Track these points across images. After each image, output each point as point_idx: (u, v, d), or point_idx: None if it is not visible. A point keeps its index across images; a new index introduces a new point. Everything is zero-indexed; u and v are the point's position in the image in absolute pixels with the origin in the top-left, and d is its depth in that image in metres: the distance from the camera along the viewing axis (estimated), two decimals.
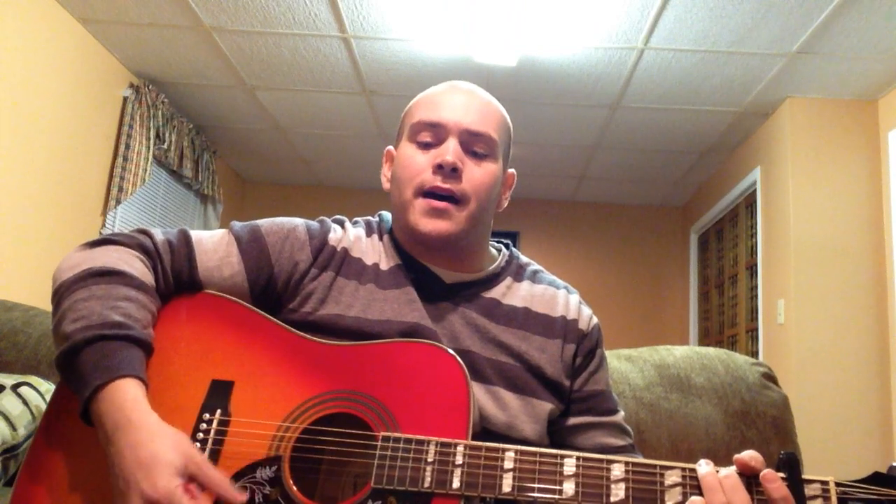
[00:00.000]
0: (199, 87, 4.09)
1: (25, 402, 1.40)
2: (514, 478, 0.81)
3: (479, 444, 0.83)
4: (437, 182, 0.99)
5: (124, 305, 0.88)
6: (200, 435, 0.87)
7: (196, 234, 1.03)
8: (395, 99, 4.03)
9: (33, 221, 3.25)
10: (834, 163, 3.68)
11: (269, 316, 0.97)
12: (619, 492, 0.80)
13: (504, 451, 0.83)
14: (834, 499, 0.78)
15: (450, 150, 0.99)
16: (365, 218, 1.15)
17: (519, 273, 1.12)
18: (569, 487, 0.81)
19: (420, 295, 1.02)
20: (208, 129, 4.75)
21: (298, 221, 1.07)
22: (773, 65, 3.41)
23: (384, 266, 1.05)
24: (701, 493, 0.79)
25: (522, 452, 0.83)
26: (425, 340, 0.92)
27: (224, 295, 0.99)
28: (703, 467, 0.80)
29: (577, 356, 1.07)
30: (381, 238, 1.09)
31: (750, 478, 0.79)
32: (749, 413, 1.42)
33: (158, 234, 1.00)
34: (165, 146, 4.18)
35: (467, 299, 1.05)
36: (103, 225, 3.79)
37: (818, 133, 3.71)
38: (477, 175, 1.01)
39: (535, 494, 0.81)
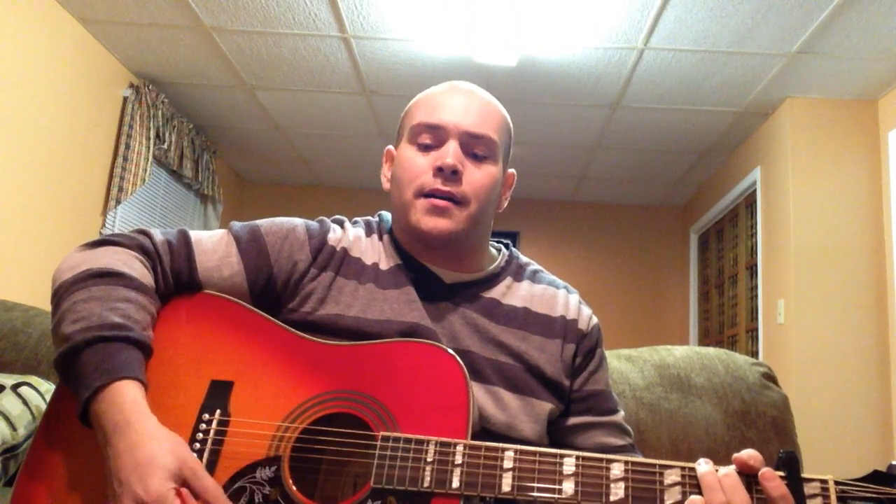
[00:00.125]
0: (199, 87, 4.09)
1: (25, 402, 1.40)
2: (513, 477, 0.81)
3: (479, 443, 0.83)
4: (438, 185, 0.99)
5: (124, 307, 0.88)
6: (200, 435, 0.87)
7: (195, 235, 1.03)
8: (395, 99, 4.03)
9: (33, 221, 3.25)
10: (834, 163, 3.68)
11: (268, 316, 0.97)
12: (618, 491, 0.80)
13: (504, 450, 0.83)
14: (833, 497, 0.78)
15: (450, 153, 0.99)
16: (364, 218, 1.15)
17: (519, 273, 1.12)
18: (568, 487, 0.81)
19: (420, 295, 1.02)
20: (208, 129, 4.75)
21: (298, 221, 1.07)
22: (773, 65, 3.41)
23: (384, 266, 1.05)
24: (700, 493, 0.79)
25: (522, 452, 0.83)
26: (425, 340, 0.92)
27: (223, 295, 0.99)
28: (703, 466, 0.80)
29: (576, 356, 1.07)
30: (380, 238, 1.09)
31: (749, 477, 0.79)
32: (749, 413, 1.42)
33: (158, 235, 1.00)
34: (165, 146, 4.18)
35: (467, 299, 1.05)
36: (103, 225, 3.79)
37: (818, 133, 3.72)
38: (477, 177, 1.01)
39: (535, 494, 0.81)
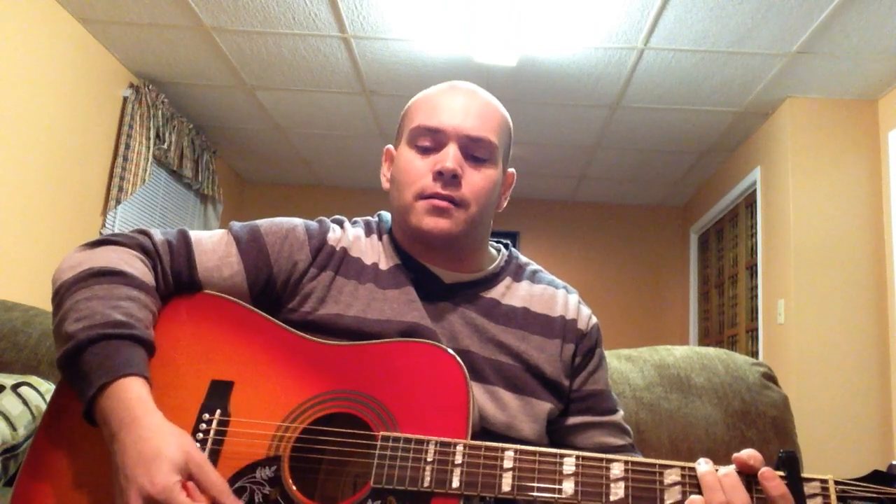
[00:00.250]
0: (199, 87, 4.09)
1: (25, 402, 1.40)
2: (513, 477, 0.81)
3: (479, 443, 0.83)
4: (437, 189, 0.99)
5: (126, 305, 0.88)
6: (200, 435, 0.87)
7: (195, 235, 1.03)
8: (395, 99, 4.03)
9: (33, 221, 3.25)
10: (834, 163, 3.68)
11: (268, 316, 0.97)
12: (618, 491, 0.80)
13: (503, 450, 0.83)
14: (833, 497, 0.78)
15: (449, 157, 0.99)
16: (364, 218, 1.15)
17: (518, 273, 1.12)
18: (568, 487, 0.81)
19: (419, 295, 1.02)
20: (208, 129, 4.75)
21: (297, 221, 1.07)
22: (773, 65, 3.41)
23: (383, 266, 1.05)
24: (700, 492, 0.79)
25: (522, 452, 0.83)
26: (425, 340, 0.92)
27: (223, 295, 0.99)
28: (703, 466, 0.80)
29: (576, 356, 1.07)
30: (380, 238, 1.09)
31: (749, 476, 0.79)
32: (749, 413, 1.42)
33: (158, 235, 1.00)
34: (165, 146, 4.18)
35: (467, 299, 1.05)
36: (103, 225, 3.80)
37: (818, 133, 3.72)
38: (476, 181, 1.01)
39: (535, 494, 0.81)
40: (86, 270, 0.90)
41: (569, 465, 0.82)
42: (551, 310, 1.08)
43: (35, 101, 3.17)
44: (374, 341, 0.94)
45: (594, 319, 1.12)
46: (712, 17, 3.03)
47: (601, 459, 0.82)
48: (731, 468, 0.79)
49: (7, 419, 1.36)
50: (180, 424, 0.85)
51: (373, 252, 1.07)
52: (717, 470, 0.79)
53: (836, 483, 0.78)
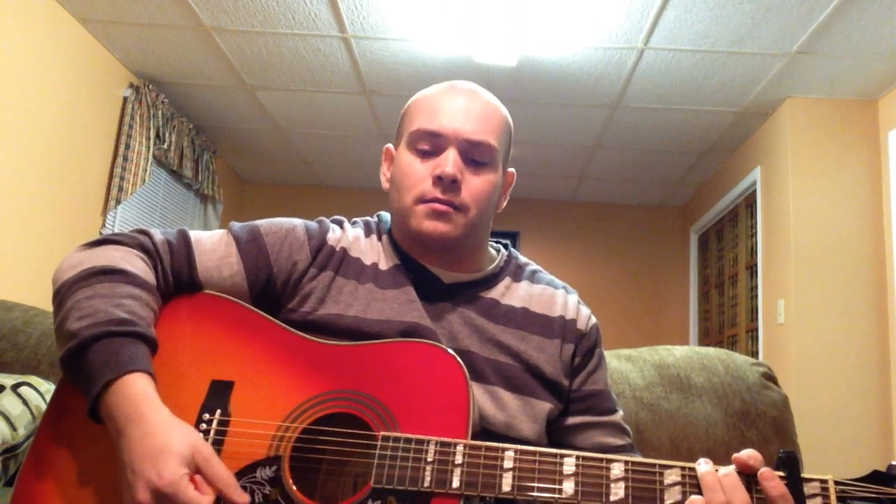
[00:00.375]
0: (199, 87, 4.09)
1: (25, 402, 1.40)
2: (513, 477, 0.81)
3: (479, 443, 0.83)
4: (437, 194, 0.99)
5: (129, 303, 0.88)
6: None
7: (195, 235, 1.03)
8: (395, 99, 4.03)
9: (33, 221, 3.25)
10: (834, 163, 3.68)
11: (268, 316, 0.97)
12: (618, 491, 0.80)
13: (504, 450, 0.83)
14: (833, 497, 0.78)
15: (449, 162, 0.99)
16: (364, 218, 1.15)
17: (518, 273, 1.12)
18: (568, 487, 0.81)
19: (419, 295, 1.02)
20: (208, 129, 4.75)
21: (297, 222, 1.07)
22: (773, 65, 3.41)
23: (383, 266, 1.05)
24: (700, 492, 0.79)
25: (522, 452, 0.83)
26: (425, 340, 0.93)
27: (223, 295, 0.99)
28: (703, 466, 0.80)
29: (575, 356, 1.07)
30: (379, 238, 1.09)
31: (749, 477, 0.79)
32: (749, 413, 1.42)
33: (157, 235, 1.00)
34: (165, 146, 4.18)
35: (466, 299, 1.05)
36: (103, 225, 3.80)
37: (818, 133, 3.72)
38: (476, 185, 1.01)
39: (535, 494, 0.81)
40: (87, 269, 0.90)
41: (569, 465, 0.82)
42: (551, 310, 1.08)
43: (35, 101, 3.17)
44: (374, 341, 0.94)
45: (593, 319, 1.12)
46: (712, 17, 3.03)
47: (601, 459, 0.82)
48: (731, 468, 0.79)
49: (7, 419, 1.36)
50: None
51: (372, 252, 1.07)
52: (717, 470, 0.80)
53: (836, 483, 0.78)
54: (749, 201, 4.43)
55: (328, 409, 0.88)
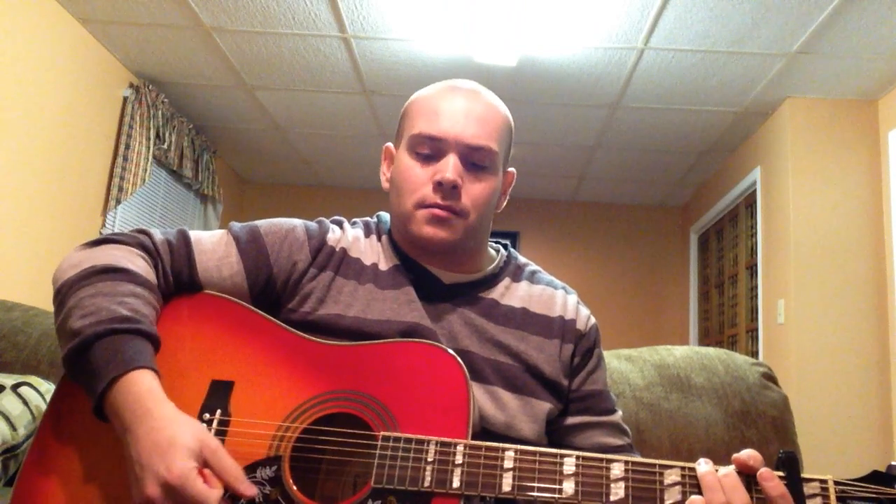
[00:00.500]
0: (199, 87, 4.09)
1: (25, 402, 1.40)
2: (514, 477, 0.82)
3: (479, 443, 0.83)
4: (437, 199, 0.99)
5: (131, 301, 0.88)
6: None
7: (195, 235, 1.03)
8: (395, 99, 4.03)
9: (33, 221, 3.25)
10: (834, 163, 3.68)
11: (268, 316, 0.97)
12: (618, 491, 0.80)
13: (504, 450, 0.83)
14: (833, 497, 0.78)
15: (449, 168, 0.98)
16: (363, 219, 1.15)
17: (517, 273, 1.12)
18: (568, 487, 0.81)
19: (419, 295, 1.02)
20: (208, 129, 4.75)
21: (297, 222, 1.07)
22: (773, 65, 3.41)
23: (383, 266, 1.05)
24: (700, 493, 0.79)
25: (522, 452, 0.83)
26: (425, 340, 0.93)
27: (224, 295, 0.99)
28: (703, 466, 0.80)
29: (574, 356, 1.07)
30: (379, 239, 1.09)
31: (749, 477, 0.79)
32: (749, 413, 1.42)
33: (157, 234, 1.00)
34: (165, 146, 4.18)
35: (466, 300, 1.05)
36: (103, 225, 3.80)
37: (818, 133, 3.72)
38: (476, 190, 1.01)
39: (535, 494, 0.81)
40: (88, 268, 0.90)
41: (569, 465, 0.82)
42: (550, 310, 1.08)
43: (35, 101, 3.17)
44: (374, 341, 0.94)
45: (593, 320, 1.12)
46: (712, 17, 3.03)
47: (601, 459, 0.82)
48: (731, 468, 0.80)
49: (7, 419, 1.36)
50: None
51: (372, 253, 1.07)
52: (716, 470, 0.80)
53: (836, 483, 0.78)
54: (749, 201, 4.43)
55: (328, 409, 0.88)
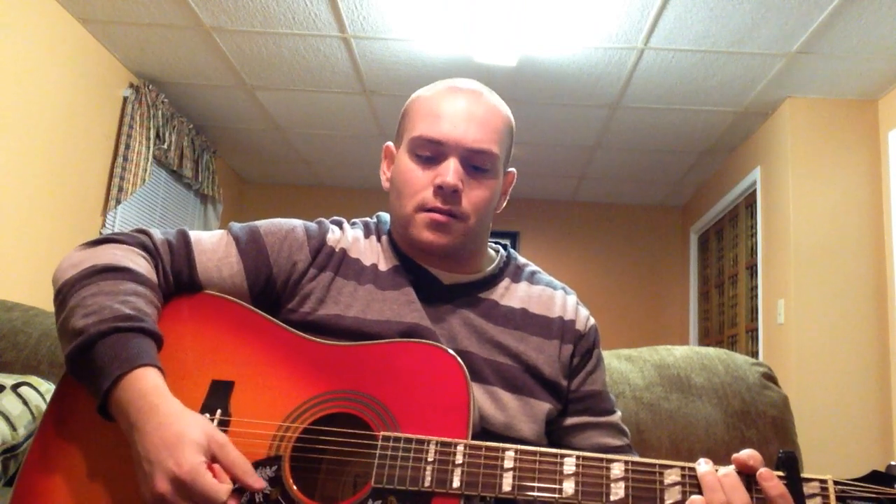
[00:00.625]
0: (199, 87, 4.09)
1: (25, 402, 1.40)
2: (514, 477, 0.82)
3: (479, 443, 0.83)
4: (437, 203, 0.99)
5: (133, 300, 0.89)
6: None
7: (195, 235, 1.03)
8: (395, 99, 4.03)
9: (33, 221, 3.25)
10: (834, 163, 3.68)
11: (268, 316, 0.97)
12: (618, 491, 0.80)
13: (504, 450, 0.83)
14: (832, 497, 0.78)
15: (450, 172, 0.98)
16: (363, 219, 1.15)
17: (517, 274, 1.12)
18: (569, 486, 0.81)
19: (419, 296, 1.02)
20: (208, 129, 4.75)
21: (297, 222, 1.07)
22: (773, 65, 3.41)
23: (383, 267, 1.05)
24: (700, 492, 0.79)
25: (522, 452, 0.83)
26: (425, 340, 0.93)
27: (224, 295, 0.99)
28: (703, 466, 0.80)
29: (574, 356, 1.07)
30: (378, 239, 1.09)
31: (749, 477, 0.79)
32: (749, 413, 1.42)
33: (157, 234, 1.01)
34: (165, 146, 4.18)
35: (466, 300, 1.05)
36: (103, 225, 3.80)
37: (818, 133, 3.72)
38: (476, 194, 1.01)
39: (535, 494, 0.81)
40: (89, 268, 0.90)
41: (569, 465, 0.82)
42: (550, 310, 1.08)
43: (35, 101, 3.17)
44: (374, 341, 0.94)
45: (592, 320, 1.12)
46: (712, 17, 3.03)
47: (601, 459, 0.82)
48: (731, 468, 0.80)
49: (7, 419, 1.36)
50: None
51: (372, 253, 1.07)
52: (716, 470, 0.80)
53: (836, 483, 0.78)
54: (749, 201, 4.43)
55: (328, 409, 0.88)
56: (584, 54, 3.42)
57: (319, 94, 4.06)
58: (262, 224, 1.06)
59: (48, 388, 1.46)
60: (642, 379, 1.47)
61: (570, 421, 1.06)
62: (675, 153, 4.67)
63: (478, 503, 0.85)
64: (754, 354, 4.09)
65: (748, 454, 0.79)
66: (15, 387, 1.42)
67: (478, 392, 0.97)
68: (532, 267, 1.16)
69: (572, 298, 1.12)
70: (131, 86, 3.92)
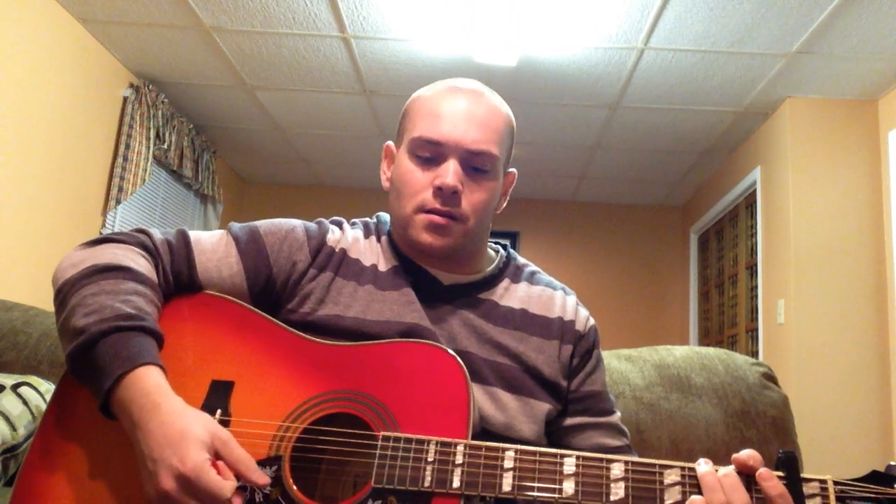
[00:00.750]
0: (199, 87, 4.09)
1: (25, 402, 1.40)
2: (514, 477, 0.82)
3: (479, 443, 0.83)
4: (437, 205, 0.99)
5: (134, 299, 0.89)
6: None
7: (195, 235, 1.03)
8: (395, 99, 4.03)
9: (33, 221, 3.25)
10: (834, 163, 3.68)
11: (268, 316, 0.97)
12: (618, 491, 0.80)
13: (504, 450, 0.83)
14: (832, 497, 0.78)
15: (449, 173, 0.98)
16: (363, 219, 1.15)
17: (517, 274, 1.12)
18: (569, 487, 0.81)
19: (418, 296, 1.02)
20: (208, 129, 4.75)
21: (297, 223, 1.07)
22: (773, 65, 3.41)
23: (383, 267, 1.05)
24: (700, 493, 0.79)
25: (522, 452, 0.83)
26: (425, 341, 0.93)
27: (224, 295, 0.99)
28: (703, 466, 0.80)
29: (574, 357, 1.07)
30: (378, 240, 1.09)
31: (749, 477, 0.79)
32: (749, 413, 1.42)
33: (157, 234, 1.01)
34: (165, 146, 4.18)
35: (465, 301, 1.05)
36: (103, 225, 3.80)
37: (818, 133, 3.72)
38: (476, 196, 1.01)
39: (535, 494, 0.81)
40: (90, 267, 0.90)
41: (569, 465, 0.82)
42: (549, 311, 1.08)
43: (35, 101, 3.17)
44: (374, 342, 0.94)
45: (592, 321, 1.12)
46: (712, 17, 3.03)
47: (601, 459, 0.82)
48: (731, 468, 0.80)
49: (7, 419, 1.36)
50: None
51: (372, 253, 1.07)
52: (716, 470, 0.80)
53: (835, 483, 0.78)
54: (749, 201, 4.43)
55: (328, 410, 0.88)
56: (584, 54, 3.42)
57: (319, 94, 4.06)
58: (262, 224, 1.06)
59: (48, 388, 1.46)
60: (642, 379, 1.47)
61: (570, 421, 1.06)
62: (675, 153, 4.67)
63: (478, 503, 0.85)
64: (754, 354, 4.09)
65: (748, 454, 0.79)
66: (15, 387, 1.42)
67: (478, 393, 0.97)
68: (532, 267, 1.15)
69: (572, 299, 1.12)
70: (131, 86, 3.92)
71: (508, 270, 1.12)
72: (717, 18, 3.04)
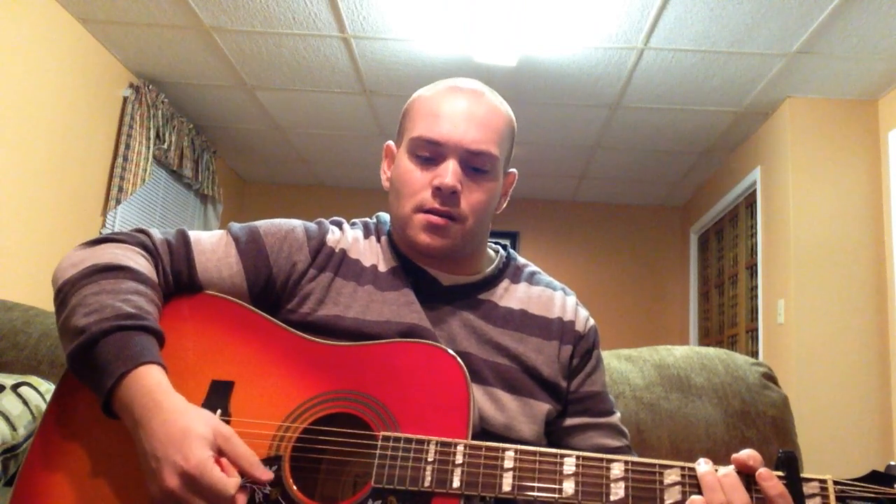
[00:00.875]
0: (199, 87, 4.09)
1: (25, 402, 1.40)
2: (514, 477, 0.82)
3: (479, 443, 0.83)
4: (436, 205, 0.98)
5: (135, 299, 0.89)
6: None
7: (194, 235, 1.03)
8: (395, 99, 4.03)
9: (33, 221, 3.25)
10: (834, 163, 3.68)
11: (268, 316, 0.97)
12: (618, 491, 0.80)
13: (504, 450, 0.83)
14: (832, 497, 0.78)
15: (448, 173, 0.98)
16: (363, 220, 1.15)
17: (516, 275, 1.12)
18: (569, 487, 0.81)
19: (418, 297, 1.02)
20: (208, 129, 4.76)
21: (297, 223, 1.07)
22: (773, 65, 3.41)
23: (382, 268, 1.05)
24: (700, 492, 0.79)
25: (522, 452, 0.83)
26: (425, 341, 0.93)
27: (223, 295, 0.99)
28: (703, 466, 0.80)
29: (573, 357, 1.07)
30: (378, 240, 1.09)
31: (748, 477, 0.79)
32: (749, 413, 1.42)
33: (157, 234, 1.01)
34: (165, 146, 4.18)
35: (465, 301, 1.05)
36: (103, 225, 3.80)
37: (818, 133, 3.72)
38: (475, 196, 1.01)
39: (535, 494, 0.81)
40: (90, 267, 0.90)
41: (569, 465, 0.82)
42: (549, 311, 1.08)
43: (35, 101, 3.17)
44: (374, 342, 0.94)
45: (592, 321, 1.12)
46: (712, 17, 3.03)
47: (601, 460, 0.82)
48: (731, 468, 0.80)
49: (7, 419, 1.36)
50: None
51: (371, 254, 1.07)
52: (716, 470, 0.80)
53: (835, 483, 0.78)
54: (749, 201, 4.43)
55: (328, 410, 0.88)
56: (584, 54, 3.42)
57: (319, 94, 4.06)
58: (262, 224, 1.06)
59: (48, 388, 1.46)
60: (642, 379, 1.47)
61: (570, 422, 1.06)
62: (675, 153, 4.67)
63: (478, 503, 0.85)
64: (754, 354, 4.09)
65: (748, 454, 0.79)
66: (15, 387, 1.42)
67: (477, 393, 0.97)
68: (532, 267, 1.15)
69: (572, 299, 1.12)
70: (131, 86, 3.92)
71: (508, 271, 1.12)
72: (717, 18, 3.04)
